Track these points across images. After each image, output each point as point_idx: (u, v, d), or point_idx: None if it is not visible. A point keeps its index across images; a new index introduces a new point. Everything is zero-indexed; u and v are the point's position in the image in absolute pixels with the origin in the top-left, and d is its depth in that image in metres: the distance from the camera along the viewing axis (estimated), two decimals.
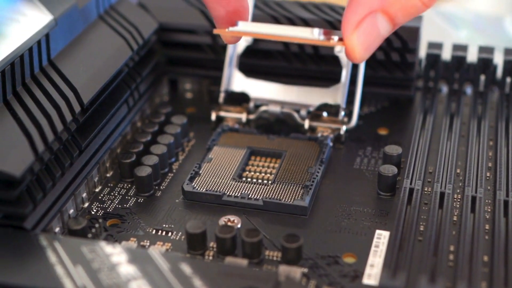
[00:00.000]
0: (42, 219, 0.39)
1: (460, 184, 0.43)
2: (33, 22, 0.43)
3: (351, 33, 0.37)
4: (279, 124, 0.50)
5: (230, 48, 0.50)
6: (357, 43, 0.38)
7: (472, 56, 0.52)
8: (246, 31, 0.39)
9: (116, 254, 0.35)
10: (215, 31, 0.40)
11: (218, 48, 0.52)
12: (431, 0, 0.37)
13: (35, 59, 0.42)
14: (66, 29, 0.45)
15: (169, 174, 0.45)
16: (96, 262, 0.34)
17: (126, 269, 0.34)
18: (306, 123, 0.48)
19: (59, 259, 0.34)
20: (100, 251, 0.35)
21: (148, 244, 0.40)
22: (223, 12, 0.40)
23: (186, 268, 0.34)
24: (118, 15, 0.50)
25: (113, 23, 0.49)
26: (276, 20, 0.50)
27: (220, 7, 0.40)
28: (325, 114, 0.49)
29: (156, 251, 0.35)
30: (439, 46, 0.52)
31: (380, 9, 0.37)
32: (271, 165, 0.45)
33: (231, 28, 0.40)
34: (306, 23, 0.50)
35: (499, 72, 0.51)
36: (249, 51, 0.51)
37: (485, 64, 0.51)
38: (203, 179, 0.43)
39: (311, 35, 0.38)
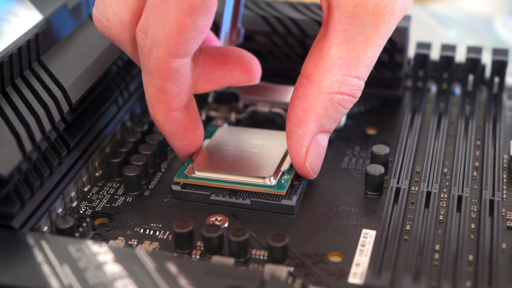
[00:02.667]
0: (30, 218, 0.39)
1: (447, 184, 0.43)
2: (22, 21, 0.44)
3: (303, 162, 0.42)
4: (268, 124, 0.50)
5: None
6: (311, 168, 0.42)
7: (461, 56, 0.52)
8: (204, 178, 0.43)
9: (102, 253, 0.35)
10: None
11: None
12: (352, 103, 0.41)
13: (24, 59, 0.42)
14: (55, 29, 0.45)
15: (158, 174, 0.46)
16: (82, 261, 0.35)
17: (112, 268, 0.34)
18: None
19: (45, 258, 0.35)
20: (86, 250, 0.35)
21: (135, 243, 0.40)
22: (179, 144, 0.44)
23: (172, 267, 0.34)
24: None
25: None
26: (265, 20, 0.50)
27: (176, 141, 0.43)
28: None
29: (143, 250, 0.35)
30: (427, 46, 0.52)
31: (318, 131, 0.41)
32: None
33: (191, 176, 0.43)
34: (295, 23, 0.50)
35: (488, 72, 0.52)
36: None
37: (474, 64, 0.51)
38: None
39: (264, 181, 0.42)
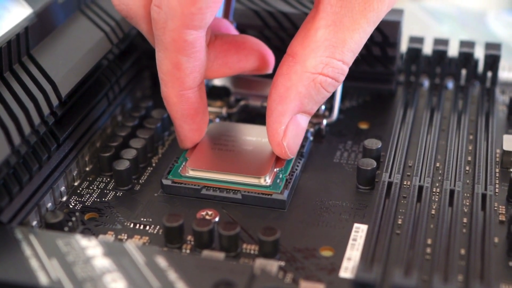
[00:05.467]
0: (18, 212, 0.39)
1: (439, 178, 0.43)
2: (12, 15, 0.43)
3: (281, 141, 0.41)
4: (260, 118, 0.49)
5: None
6: (288, 147, 0.42)
7: (453, 50, 0.52)
8: (198, 178, 0.43)
9: (91, 247, 0.35)
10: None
11: None
12: (334, 87, 0.41)
13: (13, 52, 0.42)
14: (45, 23, 0.45)
15: (149, 168, 0.45)
16: (71, 255, 0.34)
17: (101, 262, 0.34)
18: None
19: (34, 252, 0.34)
20: (75, 244, 0.35)
21: (125, 237, 0.40)
22: (187, 129, 0.43)
23: (162, 261, 0.34)
24: (99, 8, 0.50)
25: (94, 16, 0.49)
26: (257, 14, 0.50)
27: (185, 125, 0.43)
28: None
29: (132, 244, 0.35)
30: (420, 40, 0.52)
31: (298, 111, 0.41)
32: None
33: (185, 176, 0.43)
34: (287, 17, 0.50)
35: (481, 67, 0.51)
36: None
37: (466, 58, 0.51)
38: None
39: (259, 181, 0.42)
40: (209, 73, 0.43)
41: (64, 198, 0.43)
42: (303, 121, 0.42)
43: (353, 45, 0.40)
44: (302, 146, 0.45)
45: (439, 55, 0.51)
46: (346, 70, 0.40)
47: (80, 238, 0.35)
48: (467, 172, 0.43)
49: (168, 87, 0.41)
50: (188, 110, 0.42)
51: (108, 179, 0.44)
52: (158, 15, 0.38)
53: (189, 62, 0.40)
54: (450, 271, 0.35)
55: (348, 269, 0.37)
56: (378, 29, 0.49)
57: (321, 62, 0.40)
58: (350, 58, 0.40)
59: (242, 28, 0.51)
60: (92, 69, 0.45)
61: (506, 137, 0.45)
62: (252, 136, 0.45)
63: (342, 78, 0.41)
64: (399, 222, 0.39)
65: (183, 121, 0.43)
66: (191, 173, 0.42)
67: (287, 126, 0.41)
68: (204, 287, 0.33)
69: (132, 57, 0.51)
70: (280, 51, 0.51)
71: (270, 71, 0.46)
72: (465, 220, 0.39)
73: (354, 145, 0.47)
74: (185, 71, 0.40)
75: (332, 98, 0.48)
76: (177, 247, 0.39)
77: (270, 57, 0.46)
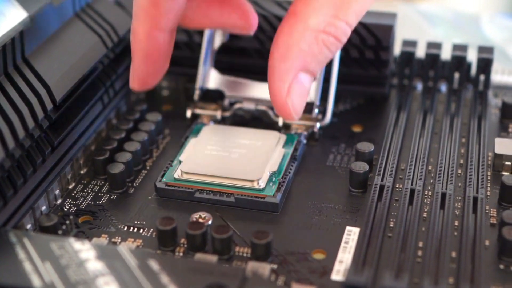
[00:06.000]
0: (13, 215, 0.39)
1: (431, 181, 0.43)
2: (7, 19, 0.43)
3: (285, 99, 0.40)
4: (254, 122, 0.50)
5: (205, 46, 0.50)
6: (293, 107, 0.40)
7: (447, 53, 0.52)
8: (192, 181, 0.43)
9: (84, 250, 0.35)
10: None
11: (194, 46, 0.52)
12: (336, 47, 0.40)
13: (8, 57, 0.42)
14: (41, 27, 0.45)
15: (143, 171, 0.46)
16: (64, 258, 0.34)
17: (94, 265, 0.34)
18: (280, 120, 0.48)
19: (27, 256, 0.35)
20: (69, 247, 0.35)
21: (119, 240, 0.40)
22: (144, 70, 0.41)
23: (154, 265, 0.34)
24: (94, 13, 0.50)
25: (89, 20, 0.49)
26: None
27: (143, 65, 0.41)
28: None
29: (125, 247, 0.35)
30: (413, 43, 0.52)
31: (301, 69, 0.39)
32: None
33: (179, 179, 0.43)
34: (280, 20, 0.50)
35: (473, 70, 0.52)
36: (224, 49, 0.51)
37: (459, 61, 0.51)
38: None
39: (252, 185, 0.42)
40: (188, 22, 0.43)
41: (59, 201, 0.43)
42: (307, 81, 0.40)
43: (357, 6, 0.39)
44: (295, 149, 0.45)
45: (432, 58, 0.51)
46: (349, 31, 0.39)
47: (73, 241, 0.36)
48: (459, 175, 0.44)
49: (139, 22, 0.40)
50: (152, 51, 0.41)
51: (103, 182, 0.45)
52: None
53: (167, 1, 0.39)
54: (440, 274, 0.35)
55: (340, 272, 0.37)
56: (371, 32, 0.49)
57: (324, 20, 0.39)
58: (354, 20, 0.39)
59: None
60: (87, 73, 0.45)
61: (498, 140, 0.46)
62: (246, 139, 0.46)
63: (345, 39, 0.40)
64: (391, 225, 0.40)
65: (143, 60, 0.41)
66: (185, 176, 0.43)
67: (291, 84, 0.40)
68: None
69: (127, 61, 0.51)
70: None
71: (251, 32, 0.45)
72: (456, 223, 0.40)
73: (347, 148, 0.47)
74: (160, 10, 0.39)
75: (325, 101, 0.49)
76: (170, 250, 0.39)
77: (254, 18, 0.45)
